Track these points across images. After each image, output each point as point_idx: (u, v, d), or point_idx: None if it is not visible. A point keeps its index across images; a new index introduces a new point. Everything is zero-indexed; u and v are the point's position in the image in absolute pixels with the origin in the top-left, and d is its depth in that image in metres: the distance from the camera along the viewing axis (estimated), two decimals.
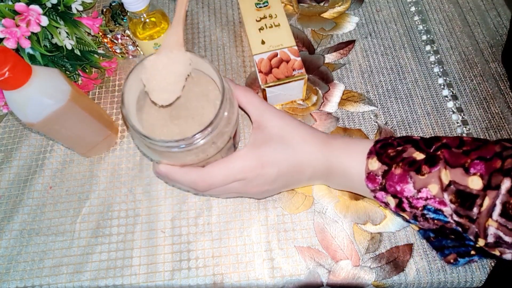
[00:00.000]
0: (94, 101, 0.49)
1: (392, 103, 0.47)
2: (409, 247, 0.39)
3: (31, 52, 0.41)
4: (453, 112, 0.46)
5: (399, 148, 0.33)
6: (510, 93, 0.46)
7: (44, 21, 0.39)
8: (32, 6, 0.38)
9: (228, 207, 0.42)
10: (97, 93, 0.51)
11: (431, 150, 0.32)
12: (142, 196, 0.43)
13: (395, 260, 0.38)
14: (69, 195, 0.44)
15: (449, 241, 0.36)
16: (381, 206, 0.38)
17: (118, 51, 0.52)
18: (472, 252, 0.35)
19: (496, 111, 0.45)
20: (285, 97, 0.47)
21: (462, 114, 0.46)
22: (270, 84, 0.43)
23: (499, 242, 0.28)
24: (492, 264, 0.37)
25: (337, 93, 0.48)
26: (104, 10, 0.51)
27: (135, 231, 0.41)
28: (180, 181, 0.35)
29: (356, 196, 0.42)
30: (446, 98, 0.47)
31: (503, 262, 0.36)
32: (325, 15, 0.55)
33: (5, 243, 0.41)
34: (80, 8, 0.44)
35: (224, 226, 0.41)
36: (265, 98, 0.46)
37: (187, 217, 0.42)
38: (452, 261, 0.36)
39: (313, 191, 0.42)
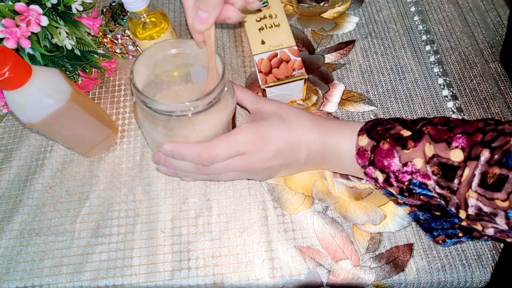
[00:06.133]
0: (94, 101, 0.49)
1: (392, 103, 0.47)
2: (409, 247, 0.39)
3: (31, 52, 0.41)
4: (453, 112, 0.46)
5: (388, 126, 0.35)
6: (510, 93, 0.46)
7: (44, 21, 0.39)
8: (32, 6, 0.38)
9: (228, 207, 0.42)
10: (97, 93, 0.51)
11: (417, 128, 0.33)
12: (142, 196, 0.43)
13: (395, 260, 0.38)
14: (69, 195, 0.44)
15: (438, 223, 0.37)
16: (370, 182, 0.39)
17: (118, 51, 0.52)
18: (460, 234, 0.35)
19: (496, 111, 0.45)
20: (285, 97, 0.47)
21: (462, 114, 0.46)
22: (270, 84, 0.43)
23: (479, 214, 0.29)
24: (493, 265, 0.38)
25: (337, 93, 0.48)
26: (104, 10, 0.51)
27: (135, 231, 0.41)
28: (184, 156, 0.36)
29: (356, 196, 0.42)
30: (446, 98, 0.47)
31: (505, 262, 0.37)
32: (325, 15, 0.55)
33: (5, 243, 0.41)
34: (80, 8, 0.44)
35: (224, 226, 0.41)
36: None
37: (187, 217, 0.42)
38: (440, 241, 0.37)
39: (313, 191, 0.42)
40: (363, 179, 0.42)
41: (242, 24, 0.55)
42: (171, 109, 0.32)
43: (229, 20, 0.34)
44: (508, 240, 0.30)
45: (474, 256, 0.38)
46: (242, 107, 0.41)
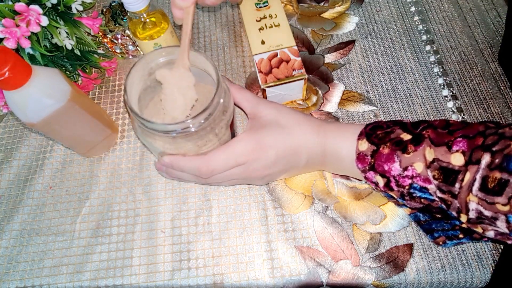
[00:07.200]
0: (94, 101, 0.49)
1: (392, 103, 0.47)
2: (409, 247, 0.39)
3: (31, 52, 0.41)
4: (453, 112, 0.46)
5: (388, 129, 0.34)
6: (510, 93, 0.46)
7: (44, 21, 0.39)
8: (32, 6, 0.38)
9: (228, 207, 0.42)
10: (97, 93, 0.51)
11: (417, 131, 0.33)
12: (142, 196, 0.43)
13: (395, 260, 0.38)
14: (69, 195, 0.44)
15: (438, 225, 0.37)
16: (371, 186, 0.39)
17: (118, 51, 0.52)
18: (460, 236, 0.35)
19: (496, 111, 0.45)
20: (285, 97, 0.47)
21: (462, 114, 0.46)
22: (270, 84, 0.43)
23: (480, 217, 0.29)
24: (493, 265, 0.38)
25: (337, 93, 0.48)
26: (104, 10, 0.51)
27: (135, 231, 0.41)
28: (184, 169, 0.37)
29: (356, 196, 0.42)
30: (446, 98, 0.47)
31: (505, 262, 0.37)
32: (325, 15, 0.55)
33: (5, 243, 0.41)
34: (80, 8, 0.44)
35: (224, 226, 0.41)
36: (265, 98, 0.46)
37: (187, 217, 0.42)
38: (441, 243, 0.37)
39: (313, 191, 0.42)
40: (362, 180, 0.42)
41: (242, 24, 0.55)
42: (169, 129, 0.32)
43: (208, 0, 0.35)
44: (509, 242, 0.30)
45: (474, 256, 0.38)
46: (240, 108, 0.41)
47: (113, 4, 0.51)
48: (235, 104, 0.40)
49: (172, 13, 0.37)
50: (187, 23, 0.35)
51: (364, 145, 0.34)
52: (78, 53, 0.45)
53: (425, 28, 0.52)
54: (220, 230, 0.41)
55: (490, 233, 0.30)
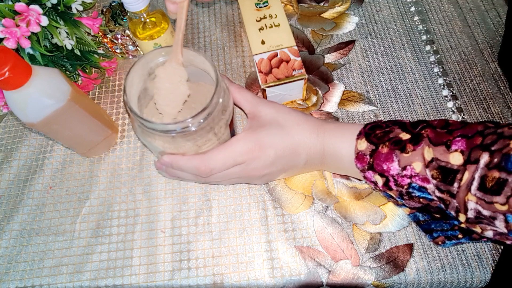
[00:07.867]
0: (94, 101, 0.49)
1: (392, 103, 0.47)
2: (409, 247, 0.39)
3: (31, 52, 0.41)
4: (453, 112, 0.46)
5: (387, 129, 0.34)
6: (509, 93, 0.46)
7: (44, 21, 0.39)
8: (32, 6, 0.38)
9: (228, 207, 0.42)
10: (97, 93, 0.51)
11: (416, 131, 0.33)
12: (142, 196, 0.43)
13: (395, 260, 0.38)
14: (69, 195, 0.44)
15: (437, 225, 0.37)
16: (370, 185, 0.39)
17: (118, 51, 0.52)
18: (460, 236, 0.35)
19: (496, 111, 0.45)
20: (285, 97, 0.47)
21: (462, 114, 0.46)
22: (270, 84, 0.43)
23: (479, 217, 0.29)
24: (493, 265, 0.38)
25: (337, 93, 0.48)
26: (104, 10, 0.51)
27: (135, 231, 0.41)
28: (183, 168, 0.37)
29: (356, 196, 0.42)
30: (446, 98, 0.47)
31: (505, 262, 0.37)
32: (325, 15, 0.55)
33: (5, 243, 0.41)
34: (80, 8, 0.44)
35: (224, 226, 0.41)
36: (265, 98, 0.46)
37: (187, 217, 0.42)
38: (440, 243, 0.37)
39: (313, 191, 0.42)
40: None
41: (242, 24, 0.55)
42: (169, 129, 0.32)
43: None
44: (507, 242, 0.30)
45: (474, 256, 0.38)
46: (239, 108, 0.41)
47: (113, 4, 0.51)
48: (234, 104, 0.40)
49: (166, 7, 0.37)
50: (181, 18, 0.35)
51: (363, 145, 0.34)
52: (78, 53, 0.45)
53: (425, 28, 0.52)
54: (220, 230, 0.41)
55: (489, 233, 0.30)
